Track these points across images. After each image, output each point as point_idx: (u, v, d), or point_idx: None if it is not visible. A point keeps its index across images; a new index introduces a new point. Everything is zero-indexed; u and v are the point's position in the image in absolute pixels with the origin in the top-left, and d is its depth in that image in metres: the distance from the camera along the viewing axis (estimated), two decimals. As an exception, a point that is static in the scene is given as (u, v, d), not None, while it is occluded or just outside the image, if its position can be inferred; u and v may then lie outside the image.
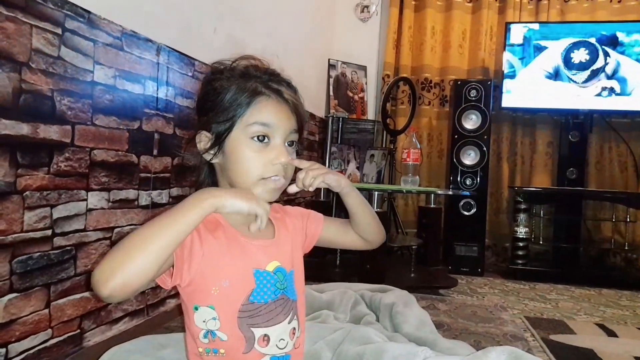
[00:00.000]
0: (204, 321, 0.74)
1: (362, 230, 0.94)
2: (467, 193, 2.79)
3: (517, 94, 2.97)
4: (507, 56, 2.97)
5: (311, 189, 0.81)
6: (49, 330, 1.13)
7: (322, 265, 2.51)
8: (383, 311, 1.44)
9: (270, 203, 0.78)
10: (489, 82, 2.92)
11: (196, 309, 0.74)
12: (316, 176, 0.80)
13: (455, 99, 2.98)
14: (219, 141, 0.77)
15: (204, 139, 0.79)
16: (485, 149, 2.86)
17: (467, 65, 3.27)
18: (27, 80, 1.03)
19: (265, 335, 0.76)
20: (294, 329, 0.80)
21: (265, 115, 0.75)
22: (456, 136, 2.91)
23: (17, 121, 1.01)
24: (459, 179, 2.89)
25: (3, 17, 0.97)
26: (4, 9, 0.97)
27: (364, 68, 3.41)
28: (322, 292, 1.51)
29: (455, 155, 2.90)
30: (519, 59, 2.95)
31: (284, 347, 0.77)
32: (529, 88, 2.94)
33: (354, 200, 0.90)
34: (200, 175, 0.84)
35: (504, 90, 2.96)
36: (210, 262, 0.73)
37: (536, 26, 2.95)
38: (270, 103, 0.76)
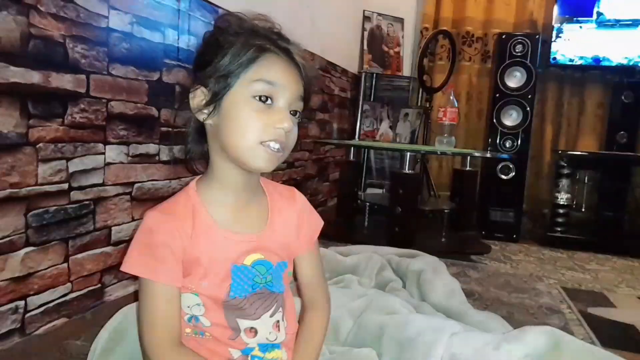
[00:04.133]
0: (188, 306, 0.71)
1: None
2: (507, 156, 2.63)
3: (567, 50, 2.74)
4: (559, 7, 2.72)
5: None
6: (69, 284, 1.12)
7: (350, 226, 2.46)
8: (410, 278, 1.38)
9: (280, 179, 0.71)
10: (537, 36, 2.69)
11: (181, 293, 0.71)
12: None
13: (499, 55, 2.77)
14: (215, 98, 0.68)
15: (199, 95, 0.70)
16: (528, 109, 2.67)
17: (514, 18, 3.04)
18: (36, 24, 0.97)
19: (252, 328, 0.72)
20: (278, 321, 0.75)
21: (272, 73, 0.67)
22: (497, 95, 2.72)
23: (26, 69, 0.95)
24: (498, 140, 2.73)
25: (7, -46, 0.90)
26: (8, -55, 0.90)
27: (400, 20, 3.22)
28: (347, 255, 1.45)
29: (495, 115, 2.72)
30: (573, 10, 2.70)
31: (275, 339, 0.75)
32: (582, 44, 2.70)
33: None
34: (188, 140, 0.75)
35: (553, 45, 2.74)
36: (188, 262, 0.69)
37: (595, -27, 2.67)
38: (278, 61, 0.68)
